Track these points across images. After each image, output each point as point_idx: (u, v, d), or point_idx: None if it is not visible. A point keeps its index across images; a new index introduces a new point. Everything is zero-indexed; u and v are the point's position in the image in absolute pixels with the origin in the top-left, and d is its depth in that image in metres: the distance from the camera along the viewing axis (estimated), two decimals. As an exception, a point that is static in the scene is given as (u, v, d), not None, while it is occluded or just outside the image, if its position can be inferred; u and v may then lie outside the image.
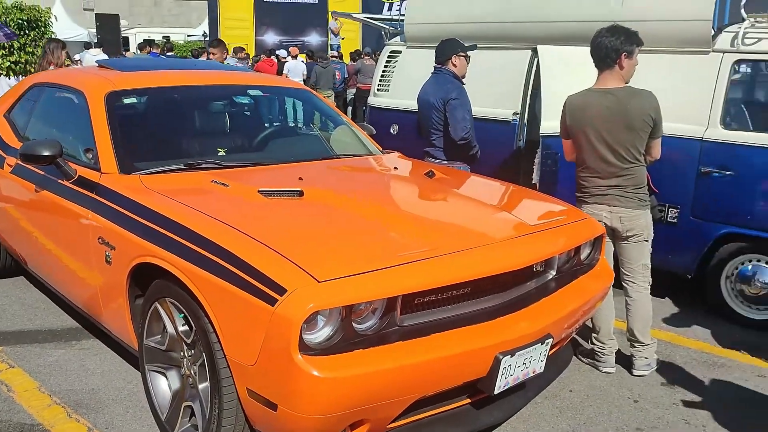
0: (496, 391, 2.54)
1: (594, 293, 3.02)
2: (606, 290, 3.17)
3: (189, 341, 2.63)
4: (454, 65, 4.22)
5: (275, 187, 2.94)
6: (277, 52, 15.33)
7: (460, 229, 2.80)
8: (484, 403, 2.71)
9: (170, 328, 2.74)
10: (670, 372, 3.64)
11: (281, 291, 2.17)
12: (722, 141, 4.11)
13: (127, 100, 3.58)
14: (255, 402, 2.32)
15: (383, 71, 5.98)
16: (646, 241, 3.43)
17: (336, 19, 14.76)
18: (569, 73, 4.06)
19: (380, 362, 2.25)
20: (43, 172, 3.55)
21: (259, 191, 2.89)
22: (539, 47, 4.12)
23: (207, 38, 23.09)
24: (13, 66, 7.13)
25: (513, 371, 2.56)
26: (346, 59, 15.65)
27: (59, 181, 3.39)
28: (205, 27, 24.23)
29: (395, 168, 3.62)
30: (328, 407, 2.19)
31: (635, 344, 3.52)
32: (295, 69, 13.42)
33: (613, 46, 3.23)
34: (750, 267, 4.16)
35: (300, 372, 2.13)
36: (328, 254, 2.37)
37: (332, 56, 14.56)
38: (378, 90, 6.01)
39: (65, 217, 3.30)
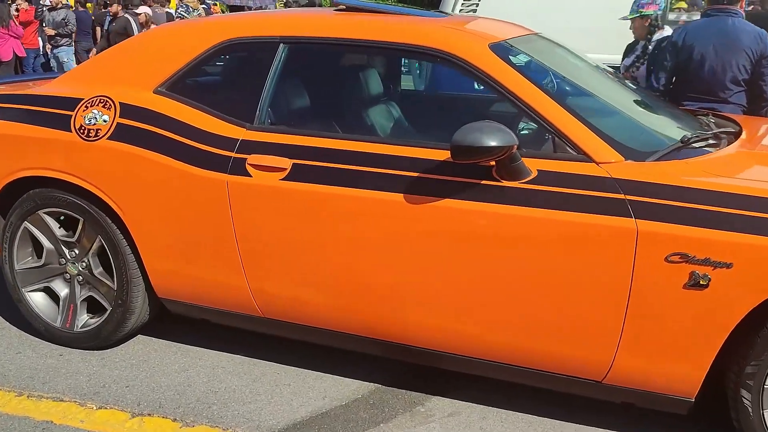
0: None
1: None
2: None
3: None
4: (741, 6, 3.78)
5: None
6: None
7: None
8: None
9: None
10: None
11: None
12: None
13: (515, 58, 2.50)
14: None
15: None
16: None
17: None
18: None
19: None
20: (416, 174, 2.34)
21: None
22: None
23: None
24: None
25: None
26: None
27: (485, 182, 2.27)
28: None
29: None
30: None
31: None
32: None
33: None
34: None
35: None
36: None
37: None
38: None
39: (519, 232, 2.23)
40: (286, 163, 2.52)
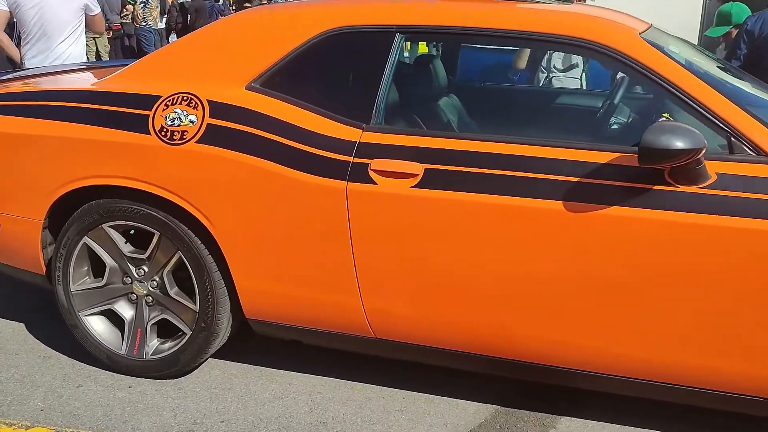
0: None
1: None
2: None
3: None
4: None
5: None
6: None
7: None
8: None
9: None
10: None
11: None
12: None
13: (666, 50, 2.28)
14: None
15: None
16: None
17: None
18: None
19: None
20: (574, 179, 2.11)
21: None
22: None
23: None
24: None
25: None
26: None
27: (657, 187, 2.06)
28: None
29: None
30: None
31: None
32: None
33: None
34: None
35: None
36: None
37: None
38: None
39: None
40: (418, 168, 2.24)
